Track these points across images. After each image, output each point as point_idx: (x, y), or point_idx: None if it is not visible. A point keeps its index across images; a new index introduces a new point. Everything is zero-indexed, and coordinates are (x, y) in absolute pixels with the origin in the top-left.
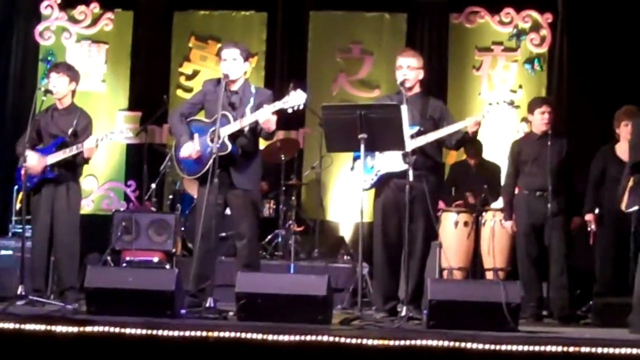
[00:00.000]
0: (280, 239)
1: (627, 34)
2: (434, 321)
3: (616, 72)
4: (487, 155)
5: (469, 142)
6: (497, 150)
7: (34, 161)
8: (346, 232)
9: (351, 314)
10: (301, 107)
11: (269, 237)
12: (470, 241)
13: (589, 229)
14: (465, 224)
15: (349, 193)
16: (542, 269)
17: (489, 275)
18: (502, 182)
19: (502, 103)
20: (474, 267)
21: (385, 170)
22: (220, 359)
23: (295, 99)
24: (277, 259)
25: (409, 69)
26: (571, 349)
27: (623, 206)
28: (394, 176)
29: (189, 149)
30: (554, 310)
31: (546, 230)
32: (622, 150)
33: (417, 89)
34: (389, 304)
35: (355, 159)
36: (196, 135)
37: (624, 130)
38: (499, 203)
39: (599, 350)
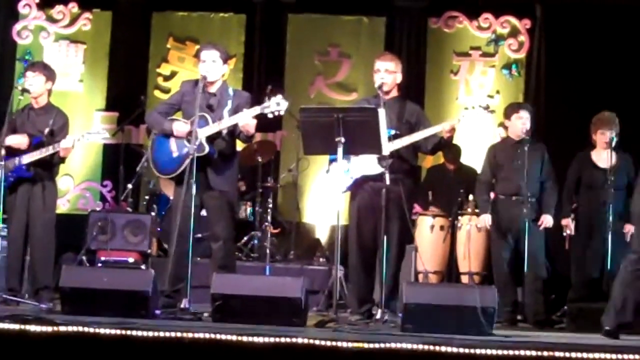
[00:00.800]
0: (256, 241)
1: (605, 40)
2: (409, 324)
3: (593, 78)
4: (464, 160)
5: (445, 147)
6: (474, 155)
7: (19, 140)
8: (322, 235)
9: (326, 316)
10: (282, 112)
11: (245, 238)
12: (446, 245)
13: (564, 234)
14: (441, 227)
15: (325, 195)
16: (518, 273)
17: (465, 279)
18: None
19: (478, 108)
20: (450, 271)
21: (361, 174)
22: None
23: (276, 104)
24: (253, 260)
25: (387, 72)
26: (545, 353)
27: None
28: (369, 179)
29: (184, 125)
30: (528, 314)
31: (521, 235)
32: (598, 156)
33: (394, 93)
34: (364, 306)
35: (331, 161)
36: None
37: (600, 138)
38: None
39: (573, 355)
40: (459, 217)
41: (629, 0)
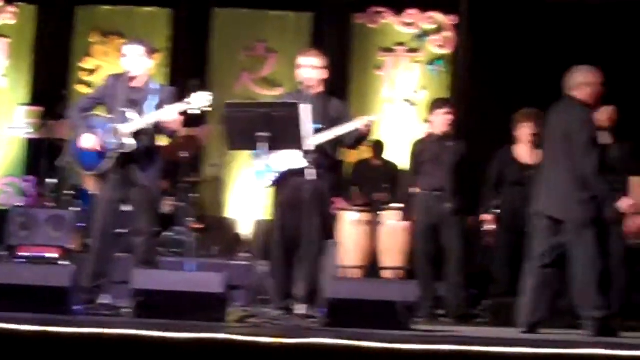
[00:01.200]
0: (178, 236)
1: (531, 37)
2: (330, 319)
3: (519, 75)
4: (388, 155)
5: (363, 141)
6: (398, 150)
7: None
8: (245, 230)
9: (248, 311)
10: (206, 108)
11: (167, 233)
12: (368, 240)
13: (483, 228)
14: (364, 222)
15: (248, 190)
16: (439, 268)
17: (387, 274)
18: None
19: (401, 102)
20: (372, 265)
21: (284, 168)
22: (115, 356)
23: (199, 100)
24: (175, 256)
25: (312, 68)
26: (464, 347)
27: None
28: (292, 174)
29: (91, 140)
30: (449, 309)
31: (443, 230)
32: (520, 152)
33: (319, 89)
34: (286, 302)
35: (255, 156)
36: (97, 131)
37: (522, 132)
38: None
39: (492, 349)
40: (382, 213)
41: None
